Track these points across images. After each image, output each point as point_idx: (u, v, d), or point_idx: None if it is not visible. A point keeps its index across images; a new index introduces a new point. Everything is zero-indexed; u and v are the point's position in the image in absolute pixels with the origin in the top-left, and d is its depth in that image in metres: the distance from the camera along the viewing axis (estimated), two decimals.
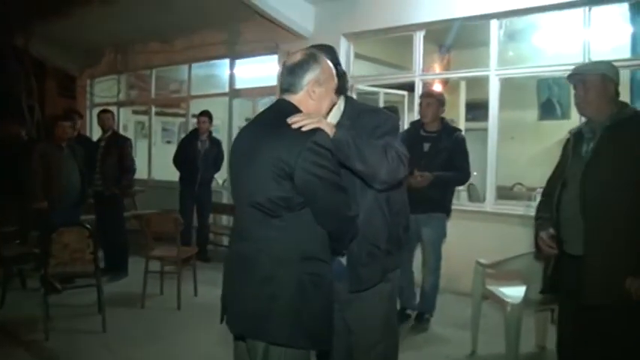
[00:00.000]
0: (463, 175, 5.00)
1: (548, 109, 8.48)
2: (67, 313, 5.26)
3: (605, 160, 2.78)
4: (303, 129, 2.09)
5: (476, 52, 6.95)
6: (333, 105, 2.56)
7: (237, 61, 8.69)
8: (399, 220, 2.75)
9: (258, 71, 8.48)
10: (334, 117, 2.62)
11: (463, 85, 8.80)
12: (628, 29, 5.54)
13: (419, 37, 6.66)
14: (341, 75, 2.58)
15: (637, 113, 2.88)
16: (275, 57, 7.77)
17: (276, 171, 2.08)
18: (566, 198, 2.93)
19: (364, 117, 2.64)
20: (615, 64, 2.90)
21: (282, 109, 2.25)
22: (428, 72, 6.98)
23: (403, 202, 2.81)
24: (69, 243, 4.81)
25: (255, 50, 8.16)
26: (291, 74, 2.28)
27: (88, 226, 5.02)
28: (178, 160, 7.78)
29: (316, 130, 2.12)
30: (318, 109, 2.31)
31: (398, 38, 7.08)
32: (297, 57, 2.30)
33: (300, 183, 2.08)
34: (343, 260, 2.61)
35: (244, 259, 2.22)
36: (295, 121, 2.10)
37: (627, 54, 5.47)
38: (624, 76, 5.45)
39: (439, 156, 4.83)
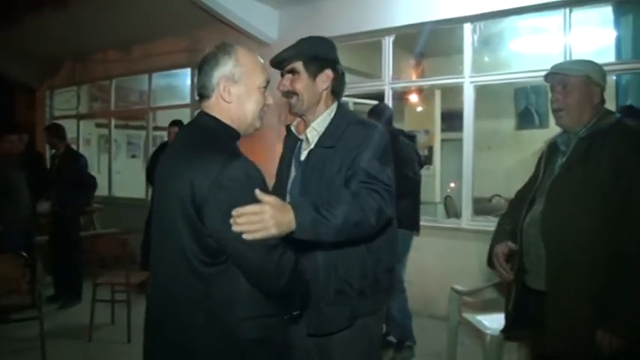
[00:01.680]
0: (409, 185, 4.59)
1: (525, 118, 8.25)
2: (4, 348, 4.78)
3: (575, 178, 2.34)
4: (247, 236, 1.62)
5: (450, 59, 6.68)
6: (324, 109, 2.24)
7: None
8: (380, 257, 2.21)
9: None
10: (322, 123, 2.24)
11: (438, 94, 8.46)
12: (611, 32, 5.28)
13: (388, 43, 6.34)
14: (340, 75, 2.27)
15: (619, 122, 2.46)
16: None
17: (183, 212, 1.67)
18: (530, 220, 2.50)
19: (351, 131, 2.19)
20: None
21: (199, 126, 1.86)
22: (399, 79, 6.61)
23: (389, 238, 2.25)
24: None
25: None
26: (200, 74, 1.85)
27: (24, 253, 4.50)
28: (151, 176, 7.03)
29: (232, 155, 1.68)
30: (240, 115, 1.86)
31: (367, 44, 6.77)
32: (205, 52, 1.86)
33: (213, 233, 1.65)
34: None
35: (157, 321, 1.82)
36: (237, 223, 1.61)
37: (612, 58, 5.19)
38: (609, 82, 5.24)
39: None
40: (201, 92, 1.85)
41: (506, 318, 2.71)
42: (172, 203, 1.71)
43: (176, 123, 6.82)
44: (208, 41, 6.38)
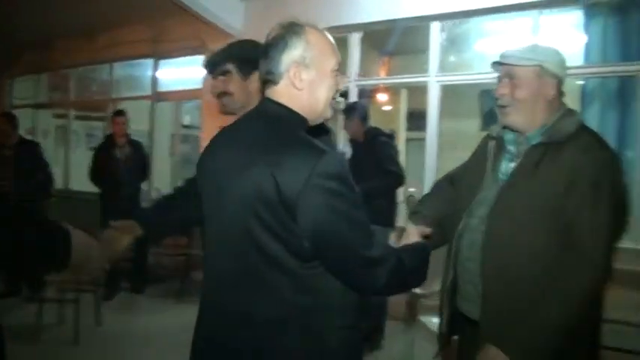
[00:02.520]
0: (392, 178, 4.74)
1: (490, 120, 8.09)
2: None
3: (524, 195, 1.95)
4: None
5: (417, 57, 6.55)
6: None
7: (162, 62, 8.07)
8: None
9: (184, 73, 7.85)
10: None
11: (404, 93, 8.37)
12: (581, 36, 5.22)
13: (355, 40, 6.22)
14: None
15: (582, 128, 2.01)
16: (202, 58, 7.13)
17: (260, 211, 1.50)
18: (468, 239, 2.12)
19: None
20: (568, 72, 2.22)
21: (269, 114, 1.65)
22: (365, 77, 6.52)
23: None
24: None
25: (181, 50, 7.54)
26: (265, 58, 1.66)
27: None
28: (96, 175, 6.60)
29: (320, 149, 1.51)
30: (312, 103, 1.68)
31: (334, 40, 6.57)
32: (272, 33, 1.68)
33: (307, 223, 1.48)
34: None
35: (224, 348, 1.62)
36: None
37: (580, 62, 5.14)
38: (575, 86, 5.22)
39: (364, 165, 4.56)
40: (267, 78, 1.67)
41: (439, 340, 2.35)
42: (241, 202, 1.54)
43: (120, 113, 6.61)
44: (172, 31, 6.25)
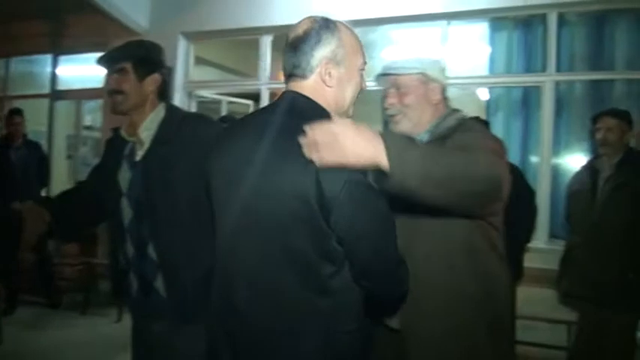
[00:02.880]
0: None
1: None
2: None
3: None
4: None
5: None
6: (151, 110, 2.22)
7: (62, 58, 7.67)
8: None
9: (86, 70, 7.42)
10: (153, 122, 2.22)
11: None
12: (486, 48, 5.41)
13: (266, 42, 6.15)
14: (166, 80, 2.29)
15: (463, 121, 2.08)
16: None
17: (296, 209, 1.44)
18: None
19: (188, 124, 2.22)
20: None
21: (296, 108, 1.57)
22: (276, 80, 6.48)
23: None
24: None
25: (82, 46, 7.15)
26: (294, 52, 1.60)
27: None
28: None
29: None
30: (339, 100, 1.65)
31: (244, 42, 6.55)
32: (302, 27, 1.62)
33: (341, 224, 1.44)
34: None
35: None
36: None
37: (485, 72, 5.35)
38: (479, 94, 5.41)
39: None
40: (294, 72, 1.62)
41: None
42: (273, 199, 1.47)
43: (16, 112, 6.13)
44: (74, 25, 5.91)
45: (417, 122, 2.05)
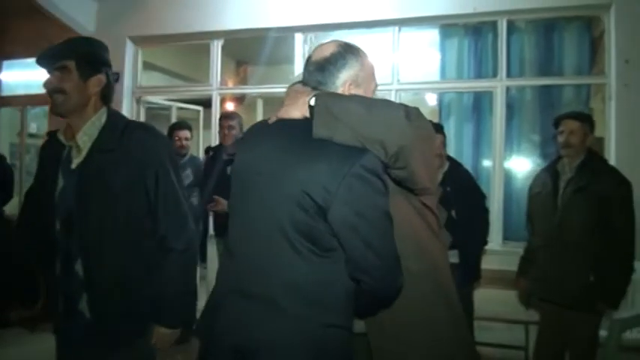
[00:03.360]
0: None
1: None
2: None
3: None
4: None
5: (281, 68, 6.55)
6: (93, 114, 2.11)
7: (5, 63, 7.41)
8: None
9: (30, 76, 7.16)
10: (94, 127, 2.09)
11: (260, 103, 8.30)
12: (437, 53, 5.48)
13: (216, 47, 6.04)
14: (110, 81, 2.16)
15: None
16: None
17: (304, 202, 1.54)
18: None
19: (132, 135, 2.08)
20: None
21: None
22: (226, 86, 6.41)
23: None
24: None
25: (26, 51, 6.83)
26: (320, 71, 1.74)
27: None
28: None
29: (364, 150, 1.56)
30: None
31: (194, 47, 6.44)
32: (329, 49, 1.76)
33: (337, 221, 1.53)
34: None
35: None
36: None
37: (437, 77, 5.42)
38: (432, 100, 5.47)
39: None
40: (317, 87, 1.74)
41: None
42: (279, 202, 1.58)
43: None
44: (18, 29, 5.68)
45: None
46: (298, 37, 5.69)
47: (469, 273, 3.69)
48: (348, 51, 1.76)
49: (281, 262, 1.57)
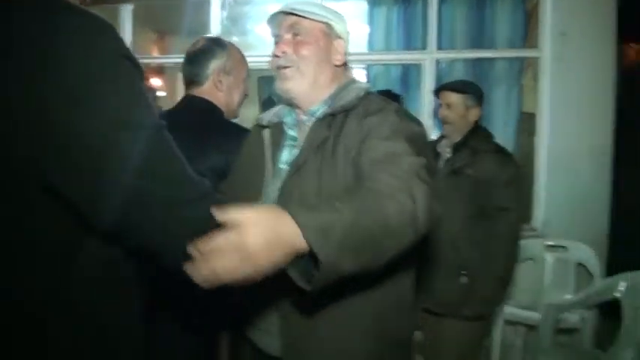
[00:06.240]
0: None
1: (268, 108, 8.04)
2: None
3: (311, 177, 1.60)
4: None
5: (198, 37, 6.11)
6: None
7: None
8: None
9: None
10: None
11: (180, 76, 7.87)
12: (365, 25, 5.26)
13: (126, 13, 5.58)
14: None
15: (368, 94, 1.73)
16: None
17: None
18: None
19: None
20: (350, 58, 1.82)
21: (197, 108, 2.12)
22: (138, 56, 5.93)
23: None
24: None
25: None
26: (192, 63, 2.13)
27: None
28: None
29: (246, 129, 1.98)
30: (229, 102, 2.20)
31: (102, 12, 5.84)
32: (199, 43, 2.16)
33: None
34: None
35: None
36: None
37: (364, 49, 5.21)
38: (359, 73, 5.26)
39: None
40: (192, 79, 2.14)
41: None
42: None
43: None
44: None
45: (312, 83, 1.70)
46: (215, 2, 5.34)
47: None
48: (215, 44, 2.12)
49: None
